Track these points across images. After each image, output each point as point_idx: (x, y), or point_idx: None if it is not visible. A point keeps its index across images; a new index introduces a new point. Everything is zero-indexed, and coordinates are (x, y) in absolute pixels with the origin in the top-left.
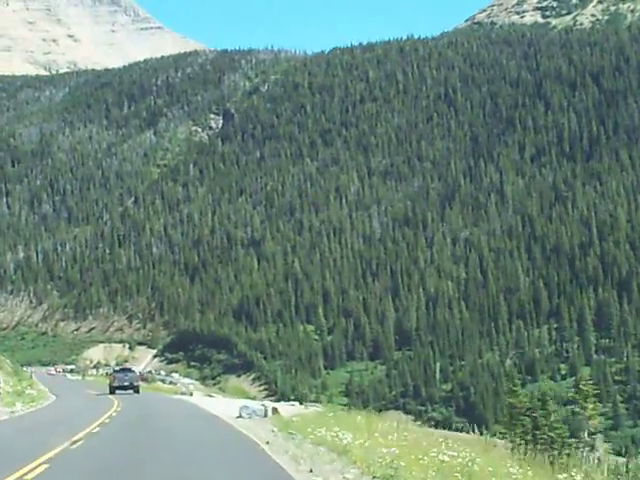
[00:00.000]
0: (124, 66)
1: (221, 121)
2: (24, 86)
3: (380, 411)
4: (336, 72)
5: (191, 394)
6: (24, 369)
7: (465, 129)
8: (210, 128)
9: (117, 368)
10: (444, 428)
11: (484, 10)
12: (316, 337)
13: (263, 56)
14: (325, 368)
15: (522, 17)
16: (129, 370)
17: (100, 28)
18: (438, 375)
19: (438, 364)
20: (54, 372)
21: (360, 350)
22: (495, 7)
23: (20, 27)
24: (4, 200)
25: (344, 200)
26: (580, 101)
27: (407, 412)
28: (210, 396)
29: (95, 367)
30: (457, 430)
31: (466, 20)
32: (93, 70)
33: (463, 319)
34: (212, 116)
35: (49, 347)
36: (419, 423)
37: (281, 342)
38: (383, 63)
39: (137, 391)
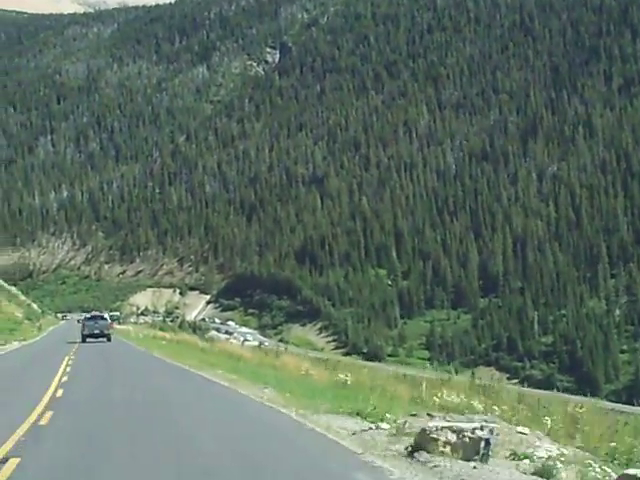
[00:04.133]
0: (175, 1)
1: (278, 55)
2: (71, 23)
3: (468, 367)
4: (401, 1)
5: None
6: (46, 314)
7: (544, 59)
8: (266, 62)
9: (88, 315)
10: (546, 388)
11: None
12: (389, 282)
13: None
14: (402, 317)
15: None
16: (100, 317)
17: None
18: (536, 326)
19: (536, 313)
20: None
21: (440, 297)
22: None
23: None
24: (49, 138)
25: (414, 134)
26: None
27: (500, 368)
28: None
29: (142, 314)
30: (564, 390)
31: None
32: (143, 6)
33: (557, 262)
34: (268, 50)
35: (92, 292)
36: (515, 381)
37: (351, 287)
38: None
39: (109, 339)
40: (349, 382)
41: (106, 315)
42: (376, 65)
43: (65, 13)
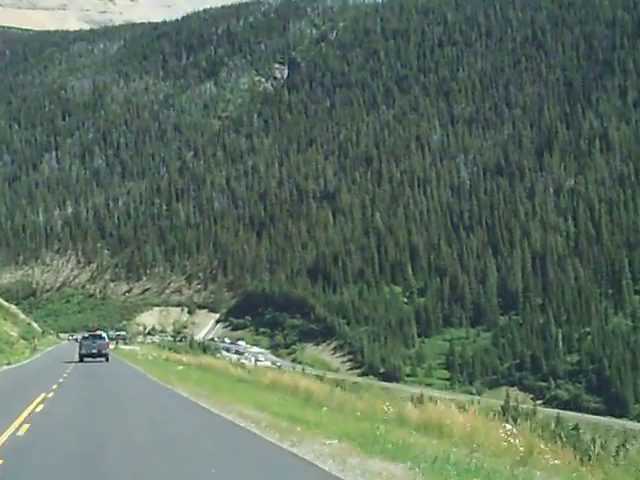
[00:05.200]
0: (182, 17)
1: (286, 70)
2: (77, 39)
3: (491, 387)
4: (411, 16)
5: None
6: (47, 334)
7: (557, 73)
8: (274, 78)
9: (86, 335)
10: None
11: None
12: (405, 300)
13: (330, 3)
14: (419, 336)
15: None
16: (98, 337)
17: None
18: (561, 344)
19: (560, 331)
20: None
21: (459, 314)
22: None
23: None
24: (53, 154)
25: (426, 149)
26: None
27: (524, 389)
28: None
29: (149, 333)
30: (594, 413)
31: None
32: (149, 23)
33: (578, 278)
34: (277, 65)
35: (97, 311)
36: (540, 402)
37: (366, 305)
38: (462, 5)
39: (107, 359)
40: None
41: (104, 334)
42: (387, 80)
43: (71, 30)
